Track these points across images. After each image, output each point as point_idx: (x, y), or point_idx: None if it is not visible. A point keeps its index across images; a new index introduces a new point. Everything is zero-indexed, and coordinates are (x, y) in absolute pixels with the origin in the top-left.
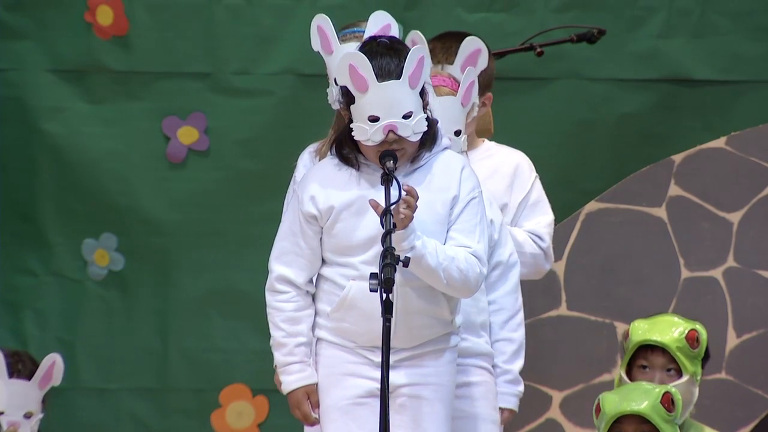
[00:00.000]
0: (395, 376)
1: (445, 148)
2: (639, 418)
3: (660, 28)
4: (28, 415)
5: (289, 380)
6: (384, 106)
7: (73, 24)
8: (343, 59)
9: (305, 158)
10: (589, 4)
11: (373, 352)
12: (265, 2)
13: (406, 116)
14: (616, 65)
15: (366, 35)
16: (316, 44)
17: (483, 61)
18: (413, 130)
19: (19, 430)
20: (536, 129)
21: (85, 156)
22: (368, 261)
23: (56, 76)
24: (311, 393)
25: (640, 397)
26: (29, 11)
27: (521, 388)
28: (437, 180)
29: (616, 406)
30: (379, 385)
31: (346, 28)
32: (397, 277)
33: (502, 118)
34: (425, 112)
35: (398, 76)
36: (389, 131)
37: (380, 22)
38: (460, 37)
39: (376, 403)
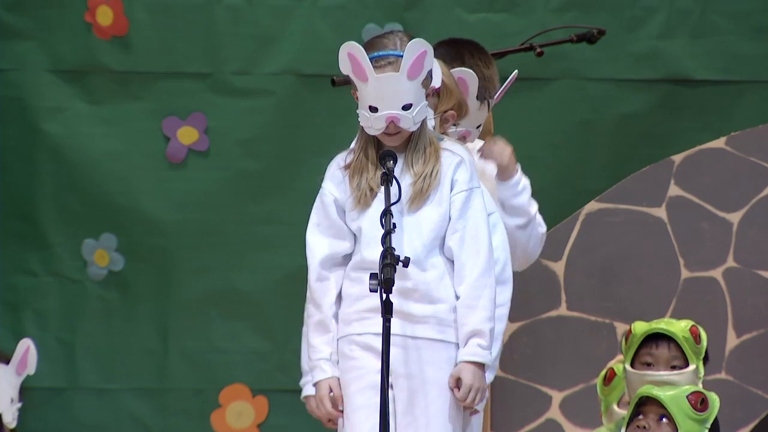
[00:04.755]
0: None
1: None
2: (660, 404)
3: (660, 29)
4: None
5: None
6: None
7: (73, 24)
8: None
9: (338, 176)
10: (589, 4)
11: None
12: (265, 2)
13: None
14: (616, 65)
15: (403, 64)
16: (346, 69)
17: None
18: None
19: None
20: (536, 129)
21: (85, 156)
22: None
23: (56, 76)
24: None
25: (668, 388)
26: (29, 11)
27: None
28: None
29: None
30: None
31: (372, 51)
32: None
33: (502, 118)
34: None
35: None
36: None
37: (416, 50)
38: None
39: None
